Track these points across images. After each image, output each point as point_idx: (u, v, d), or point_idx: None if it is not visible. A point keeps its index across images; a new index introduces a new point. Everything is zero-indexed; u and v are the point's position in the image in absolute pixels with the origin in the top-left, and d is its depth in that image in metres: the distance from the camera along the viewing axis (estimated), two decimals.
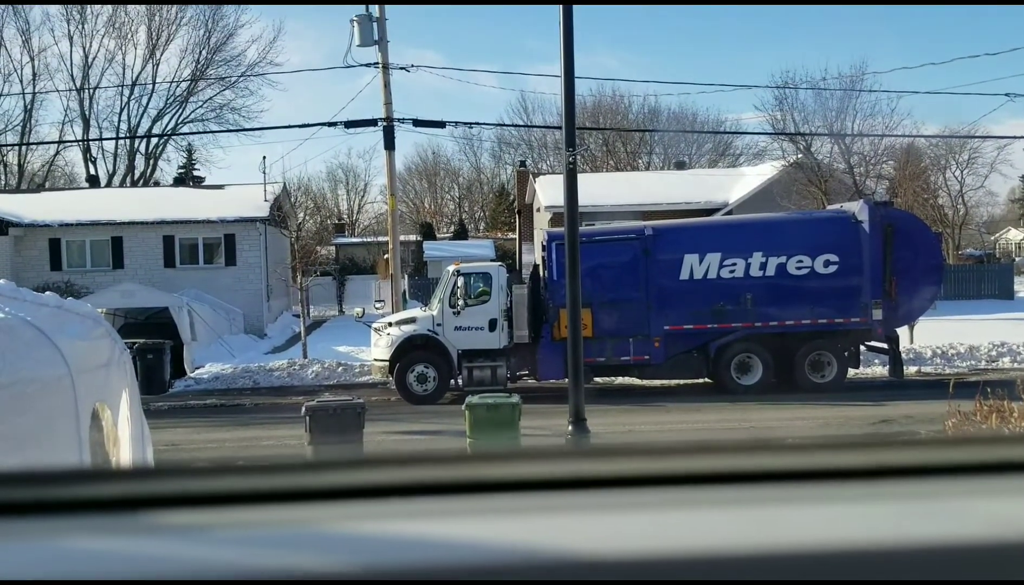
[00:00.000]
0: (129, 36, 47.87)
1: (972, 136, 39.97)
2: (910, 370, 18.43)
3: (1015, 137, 51.10)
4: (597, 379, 16.73)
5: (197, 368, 20.87)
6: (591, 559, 0.93)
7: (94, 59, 47.41)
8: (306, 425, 11.06)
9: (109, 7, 47.44)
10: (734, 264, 16.45)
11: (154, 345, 19.06)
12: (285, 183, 32.19)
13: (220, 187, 32.59)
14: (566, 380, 15.97)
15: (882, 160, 30.27)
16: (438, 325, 16.67)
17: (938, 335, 20.13)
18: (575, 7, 11.06)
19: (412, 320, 17.09)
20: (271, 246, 28.47)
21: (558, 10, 10.96)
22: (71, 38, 47.07)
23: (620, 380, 17.64)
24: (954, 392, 10.47)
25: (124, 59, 48.34)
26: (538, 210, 35.31)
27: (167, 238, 27.43)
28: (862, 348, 17.32)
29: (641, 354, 16.47)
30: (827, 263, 16.42)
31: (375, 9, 21.90)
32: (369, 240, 46.07)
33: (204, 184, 41.64)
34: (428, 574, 0.92)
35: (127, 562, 0.92)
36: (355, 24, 21.76)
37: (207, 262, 27.74)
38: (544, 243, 17.40)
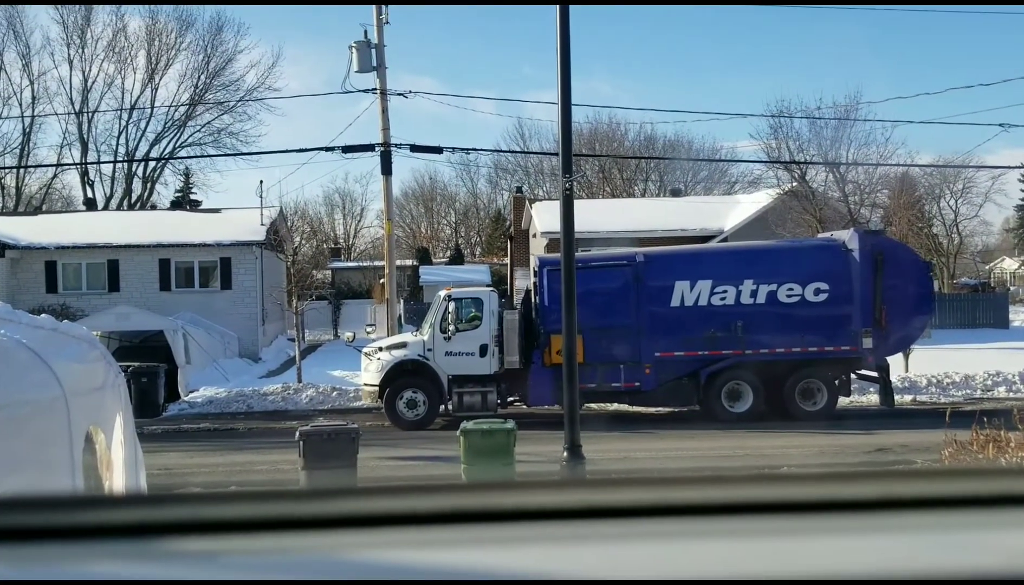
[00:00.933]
0: (129, 60, 48.21)
1: (966, 166, 40.22)
2: (905, 399, 18.42)
3: (1009, 167, 51.43)
4: (590, 405, 16.68)
5: (191, 392, 20.79)
6: None
7: (93, 83, 47.69)
8: (300, 450, 11.00)
9: (109, 32, 47.78)
10: (725, 291, 16.43)
11: (148, 368, 19.00)
12: (282, 207, 32.23)
13: (217, 211, 32.65)
14: (558, 406, 16.00)
15: (876, 189, 30.38)
16: (428, 350, 16.63)
17: (933, 364, 20.15)
18: (571, 11, 11.03)
19: (403, 345, 17.04)
20: (267, 270, 28.46)
21: (555, 36, 10.98)
22: (71, 62, 47.36)
23: (614, 406, 17.60)
24: (950, 421, 10.47)
25: (123, 83, 48.58)
26: (534, 236, 35.36)
27: (163, 261, 27.42)
28: (853, 376, 17.31)
29: (632, 380, 16.41)
30: (817, 291, 16.41)
31: (374, 36, 22.05)
32: (365, 264, 46.13)
33: (201, 208, 41.73)
34: None
35: None
36: (354, 50, 21.89)
37: (203, 286, 27.72)
38: (536, 269, 17.41)
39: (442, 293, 17.29)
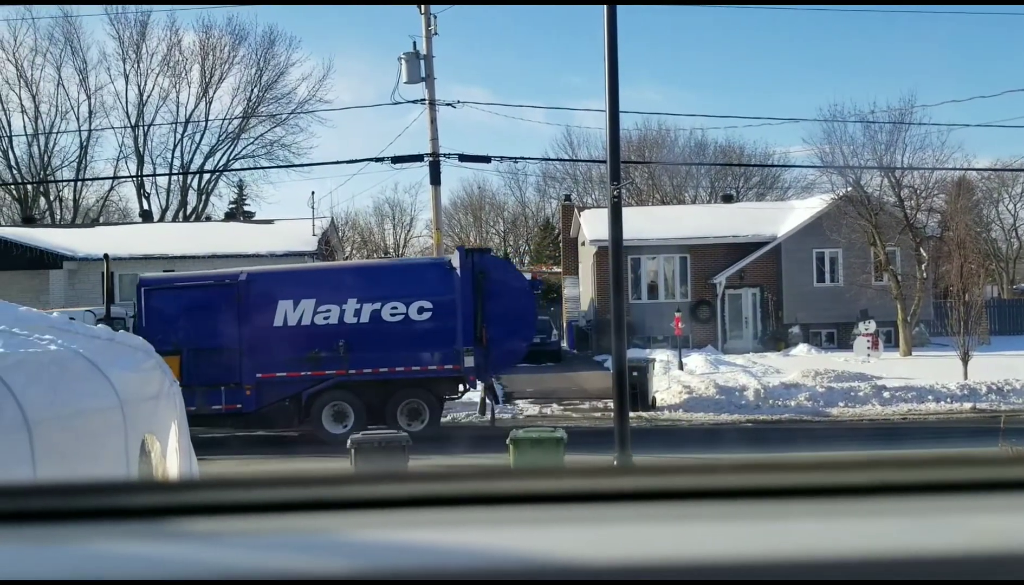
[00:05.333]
0: (183, 74, 49.13)
1: None
2: (964, 406, 18.00)
3: None
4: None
5: None
6: (617, 566, 0.95)
7: (148, 97, 48.67)
8: (351, 458, 11.13)
9: (164, 47, 48.79)
10: (329, 310, 16.14)
11: None
12: (333, 217, 32.59)
13: (270, 222, 33.13)
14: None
15: (933, 193, 29.76)
16: None
17: (993, 370, 19.67)
18: (619, 18, 11.02)
19: None
20: None
21: (603, 38, 10.95)
22: (127, 77, 48.43)
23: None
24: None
25: (178, 97, 49.52)
26: (583, 244, 35.30)
27: None
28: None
29: (232, 403, 16.13)
30: (421, 310, 16.05)
31: (422, 47, 22.20)
32: None
33: (254, 219, 42.35)
34: (462, 577, 0.94)
35: (166, 565, 0.95)
36: (403, 62, 22.06)
37: None
38: (137, 289, 17.06)
39: None
